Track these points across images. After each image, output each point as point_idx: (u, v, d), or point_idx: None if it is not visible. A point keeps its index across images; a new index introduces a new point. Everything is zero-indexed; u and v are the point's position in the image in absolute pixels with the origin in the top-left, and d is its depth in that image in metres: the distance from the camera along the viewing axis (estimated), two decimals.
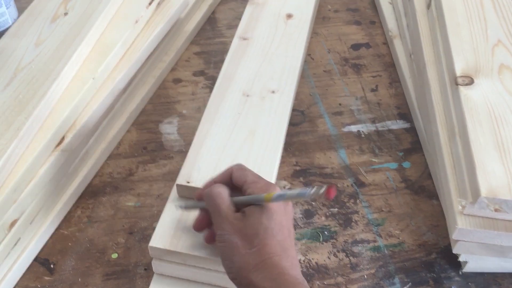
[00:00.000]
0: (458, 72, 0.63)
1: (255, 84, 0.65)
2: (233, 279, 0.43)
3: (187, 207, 0.52)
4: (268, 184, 0.45)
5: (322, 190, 0.38)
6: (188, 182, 0.53)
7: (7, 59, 0.61)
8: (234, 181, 0.47)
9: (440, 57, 0.68)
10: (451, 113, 0.62)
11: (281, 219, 0.43)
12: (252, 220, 0.43)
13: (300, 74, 0.79)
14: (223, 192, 0.46)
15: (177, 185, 0.53)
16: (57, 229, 0.61)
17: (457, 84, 0.61)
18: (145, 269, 0.57)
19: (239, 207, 0.45)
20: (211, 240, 0.48)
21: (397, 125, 0.75)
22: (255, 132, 0.58)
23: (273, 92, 0.64)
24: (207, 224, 0.49)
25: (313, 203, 0.64)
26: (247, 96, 0.63)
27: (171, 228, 0.51)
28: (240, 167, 0.48)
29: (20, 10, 0.71)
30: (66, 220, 0.62)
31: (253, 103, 0.62)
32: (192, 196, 0.54)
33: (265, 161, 0.55)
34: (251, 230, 0.42)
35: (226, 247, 0.43)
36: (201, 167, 0.54)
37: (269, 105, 0.62)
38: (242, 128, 0.59)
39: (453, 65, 0.64)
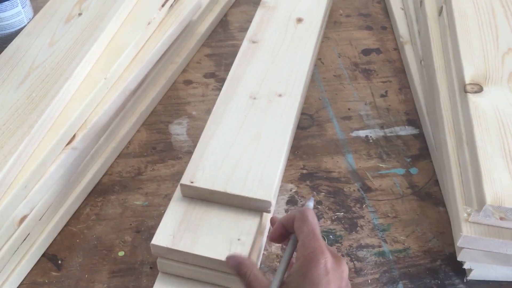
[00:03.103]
0: (467, 79, 0.62)
1: (262, 87, 0.65)
2: None
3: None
4: (317, 252, 0.40)
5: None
6: (192, 182, 0.53)
7: (21, 58, 0.62)
8: (294, 230, 0.44)
9: (450, 63, 0.68)
10: (459, 120, 0.61)
11: None
12: None
13: (309, 78, 0.79)
14: (249, 270, 0.42)
15: (181, 184, 0.54)
16: (65, 226, 0.62)
17: (466, 91, 0.61)
18: (151, 268, 0.58)
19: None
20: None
21: (406, 131, 0.74)
22: (261, 135, 0.59)
23: (280, 95, 0.64)
24: (286, 235, 0.46)
25: (319, 206, 0.64)
26: (254, 98, 0.64)
27: (173, 227, 0.51)
28: (302, 218, 0.43)
29: (36, 9, 0.72)
30: (75, 217, 0.63)
31: (259, 106, 0.63)
32: (196, 196, 0.54)
33: (269, 164, 0.56)
34: None
35: None
36: (205, 168, 0.55)
37: (276, 108, 0.62)
38: (248, 131, 0.59)
39: (463, 72, 0.63)
